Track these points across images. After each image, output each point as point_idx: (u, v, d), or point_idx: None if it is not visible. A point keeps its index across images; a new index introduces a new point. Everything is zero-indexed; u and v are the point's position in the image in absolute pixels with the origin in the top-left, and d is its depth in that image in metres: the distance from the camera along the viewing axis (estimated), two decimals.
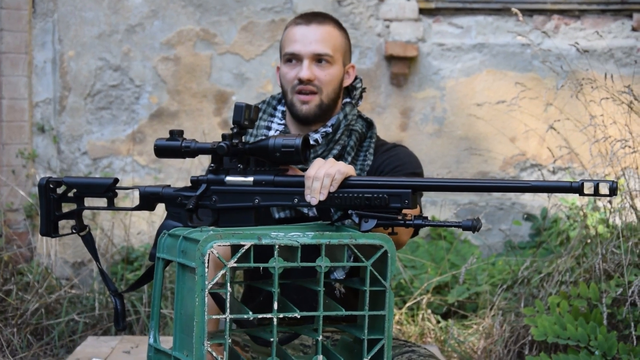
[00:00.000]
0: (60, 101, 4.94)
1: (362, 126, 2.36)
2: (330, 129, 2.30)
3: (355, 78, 2.40)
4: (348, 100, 2.36)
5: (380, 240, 1.84)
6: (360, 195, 1.88)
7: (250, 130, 2.35)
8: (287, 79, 2.32)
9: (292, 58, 2.31)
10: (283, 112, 2.39)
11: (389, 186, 1.88)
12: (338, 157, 2.29)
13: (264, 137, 1.98)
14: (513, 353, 3.68)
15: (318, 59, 2.29)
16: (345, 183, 1.91)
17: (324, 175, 1.89)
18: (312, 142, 2.29)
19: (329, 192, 1.90)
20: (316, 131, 2.31)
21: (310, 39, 2.29)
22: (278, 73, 2.39)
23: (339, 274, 2.21)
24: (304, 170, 2.22)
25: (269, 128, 2.36)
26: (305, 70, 2.28)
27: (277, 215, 2.25)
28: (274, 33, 4.94)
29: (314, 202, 1.90)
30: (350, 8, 4.92)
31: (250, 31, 4.94)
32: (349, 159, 2.30)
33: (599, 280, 3.43)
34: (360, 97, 2.39)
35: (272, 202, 1.96)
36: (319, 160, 1.94)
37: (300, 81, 2.29)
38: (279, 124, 2.37)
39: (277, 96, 2.43)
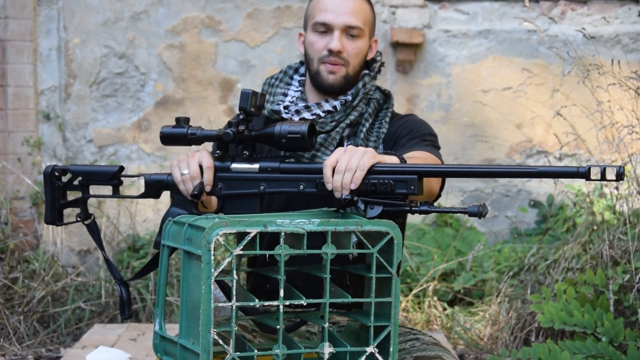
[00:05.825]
0: (65, 89, 4.93)
1: (380, 97, 2.35)
2: (349, 97, 2.30)
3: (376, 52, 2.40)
4: (367, 71, 2.34)
5: (386, 226, 1.83)
6: (366, 181, 1.87)
7: (267, 97, 2.33)
8: (314, 48, 2.29)
9: (322, 27, 2.28)
10: (300, 81, 2.37)
11: (395, 172, 1.87)
12: (355, 123, 2.29)
13: (270, 125, 1.97)
14: (519, 340, 3.68)
15: (349, 31, 2.26)
16: None
17: (345, 168, 1.85)
18: (330, 108, 2.28)
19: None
20: (336, 98, 2.30)
21: (343, 9, 2.25)
22: (300, 40, 2.36)
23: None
24: (314, 157, 2.22)
25: (285, 94, 2.34)
26: (336, 41, 2.24)
27: None
28: (279, 20, 4.92)
29: (346, 193, 1.85)
30: None
31: (255, 18, 4.93)
32: (367, 125, 2.29)
33: (606, 266, 3.42)
34: (379, 70, 2.38)
35: (277, 189, 1.96)
36: (339, 150, 1.89)
37: (330, 52, 2.26)
38: (296, 91, 2.36)
39: (294, 65, 2.41)
